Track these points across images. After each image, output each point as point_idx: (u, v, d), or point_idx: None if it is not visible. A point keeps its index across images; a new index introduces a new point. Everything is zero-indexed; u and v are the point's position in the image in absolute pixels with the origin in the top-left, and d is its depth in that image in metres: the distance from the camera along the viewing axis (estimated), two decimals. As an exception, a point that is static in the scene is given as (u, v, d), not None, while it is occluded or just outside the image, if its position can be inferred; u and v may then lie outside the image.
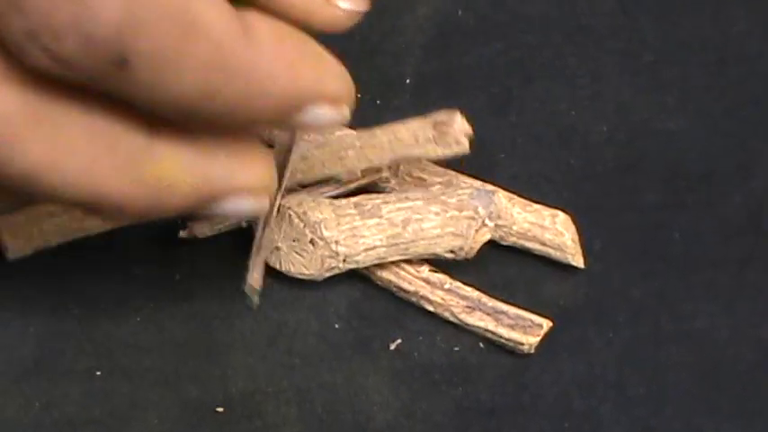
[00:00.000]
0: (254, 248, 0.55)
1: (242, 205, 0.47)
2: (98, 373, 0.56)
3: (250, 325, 0.57)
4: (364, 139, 0.56)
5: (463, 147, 0.55)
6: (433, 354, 0.57)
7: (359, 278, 0.57)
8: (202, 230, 0.58)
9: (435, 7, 0.61)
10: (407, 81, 0.60)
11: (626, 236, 0.58)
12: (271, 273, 0.57)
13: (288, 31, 0.44)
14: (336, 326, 0.57)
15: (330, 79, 0.45)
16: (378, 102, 0.60)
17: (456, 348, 0.57)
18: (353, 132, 0.56)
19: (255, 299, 0.54)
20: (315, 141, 0.56)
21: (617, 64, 0.61)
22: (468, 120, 0.60)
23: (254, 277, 0.54)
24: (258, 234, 0.55)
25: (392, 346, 0.57)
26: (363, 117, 0.59)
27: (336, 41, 0.61)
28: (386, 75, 0.60)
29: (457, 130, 0.55)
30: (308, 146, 0.56)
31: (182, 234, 0.58)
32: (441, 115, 0.55)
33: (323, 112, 0.45)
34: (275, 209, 0.55)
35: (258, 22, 0.43)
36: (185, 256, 0.58)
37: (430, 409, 0.56)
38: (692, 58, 0.61)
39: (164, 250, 0.58)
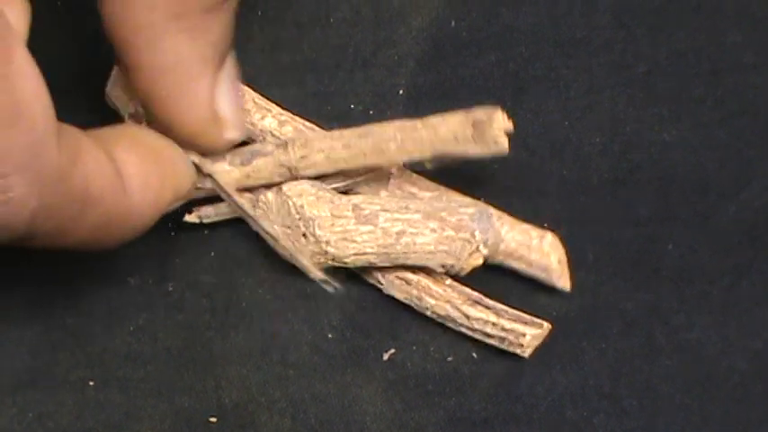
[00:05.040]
0: (289, 255, 0.56)
1: None
2: (91, 383, 0.56)
3: (243, 335, 0.57)
4: (406, 131, 0.55)
5: (501, 147, 0.54)
6: (426, 364, 0.57)
7: (352, 287, 0.57)
8: (207, 214, 0.57)
9: (429, 19, 0.61)
10: (400, 92, 0.60)
11: (619, 248, 0.58)
12: (264, 286, 0.57)
13: (153, 158, 0.51)
14: (330, 336, 0.57)
15: (181, 185, 0.53)
16: (371, 112, 0.60)
17: (449, 359, 0.57)
18: (395, 123, 0.55)
19: (330, 285, 0.56)
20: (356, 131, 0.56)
21: (611, 75, 0.61)
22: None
23: (312, 270, 0.56)
24: (282, 245, 0.56)
25: (385, 357, 0.57)
26: (356, 128, 0.60)
27: (330, 53, 0.61)
28: (379, 86, 0.60)
29: (495, 129, 0.53)
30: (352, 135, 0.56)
31: (187, 218, 0.57)
32: (480, 113, 0.54)
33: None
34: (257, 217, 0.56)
35: (127, 164, 0.50)
36: (179, 267, 0.58)
37: (423, 420, 0.56)
38: (687, 70, 0.61)
39: (158, 261, 0.58)
